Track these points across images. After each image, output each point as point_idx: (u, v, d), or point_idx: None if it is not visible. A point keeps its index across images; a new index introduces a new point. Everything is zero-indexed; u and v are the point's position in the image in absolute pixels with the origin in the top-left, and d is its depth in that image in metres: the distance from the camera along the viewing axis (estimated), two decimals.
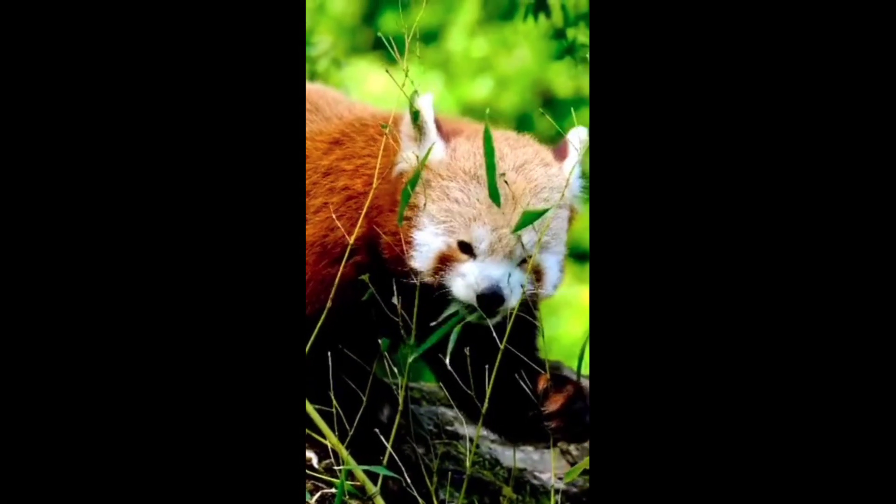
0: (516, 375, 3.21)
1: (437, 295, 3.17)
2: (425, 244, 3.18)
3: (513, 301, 3.14)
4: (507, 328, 3.12)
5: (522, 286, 3.13)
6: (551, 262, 3.22)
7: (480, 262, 3.15)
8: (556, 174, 3.23)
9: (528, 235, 3.14)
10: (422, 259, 3.17)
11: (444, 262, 3.17)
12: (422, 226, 3.18)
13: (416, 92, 3.19)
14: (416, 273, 3.17)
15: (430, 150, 3.18)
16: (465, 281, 3.14)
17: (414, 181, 3.14)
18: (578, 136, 3.27)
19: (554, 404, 3.24)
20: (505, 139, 3.26)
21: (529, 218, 3.10)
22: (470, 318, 3.17)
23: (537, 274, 3.19)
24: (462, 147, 3.24)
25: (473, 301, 3.14)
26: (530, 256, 3.16)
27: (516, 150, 3.24)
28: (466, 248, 3.16)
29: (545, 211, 3.11)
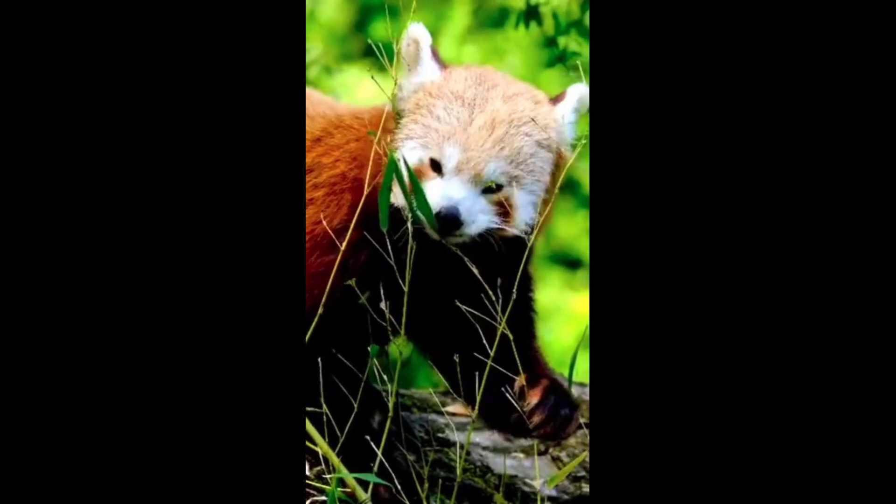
0: (502, 388, 3.20)
1: (409, 224, 3.13)
2: (402, 160, 3.15)
3: (472, 228, 3.13)
4: (505, 314, 3.12)
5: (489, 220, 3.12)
6: (523, 199, 3.20)
7: (445, 180, 3.15)
8: (546, 113, 3.24)
9: (498, 164, 3.15)
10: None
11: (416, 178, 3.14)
12: (402, 142, 3.19)
13: (396, 95, 3.22)
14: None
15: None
16: (428, 199, 3.11)
17: (387, 183, 3.13)
18: (578, 90, 3.28)
19: (534, 397, 3.23)
20: (502, 75, 3.29)
21: None
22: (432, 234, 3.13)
23: (506, 208, 3.18)
24: (458, 72, 3.28)
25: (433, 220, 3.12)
26: (499, 186, 3.15)
27: (511, 84, 3.26)
28: (436, 167, 3.16)
29: None
